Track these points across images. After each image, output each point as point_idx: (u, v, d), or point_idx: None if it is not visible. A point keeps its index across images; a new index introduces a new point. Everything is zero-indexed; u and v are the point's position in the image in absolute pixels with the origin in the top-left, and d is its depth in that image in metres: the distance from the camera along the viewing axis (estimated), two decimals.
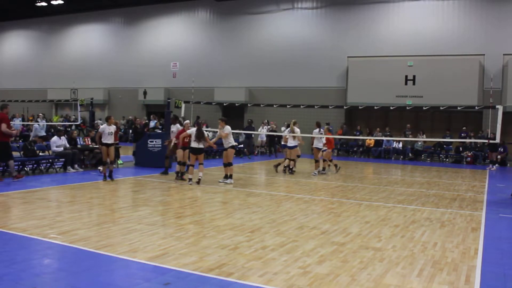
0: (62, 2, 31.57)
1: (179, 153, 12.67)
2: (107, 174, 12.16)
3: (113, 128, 12.25)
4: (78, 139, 15.00)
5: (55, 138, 13.94)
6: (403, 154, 23.42)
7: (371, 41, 25.21)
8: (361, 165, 20.11)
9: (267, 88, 27.48)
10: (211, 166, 17.06)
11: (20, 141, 18.71)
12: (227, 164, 12.53)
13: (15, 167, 12.98)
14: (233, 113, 27.94)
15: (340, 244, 6.47)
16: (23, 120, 27.98)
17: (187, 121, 12.43)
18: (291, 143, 14.97)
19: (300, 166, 17.06)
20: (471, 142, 22.11)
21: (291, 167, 15.16)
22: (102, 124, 13.95)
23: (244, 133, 21.65)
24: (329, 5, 26.59)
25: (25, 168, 13.20)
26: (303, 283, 4.86)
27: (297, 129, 15.12)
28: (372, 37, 25.29)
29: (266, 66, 27.54)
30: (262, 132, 22.55)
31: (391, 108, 17.20)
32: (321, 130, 15.36)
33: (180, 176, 12.59)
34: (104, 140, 12.02)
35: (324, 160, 15.66)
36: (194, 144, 11.78)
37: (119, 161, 15.98)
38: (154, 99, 30.61)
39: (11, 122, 21.16)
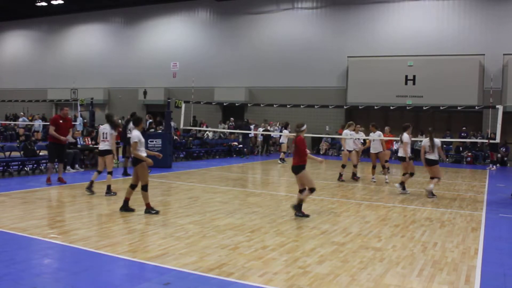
0: (62, 2, 31.58)
1: (304, 177, 8.26)
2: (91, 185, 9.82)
3: (109, 129, 10.01)
4: (78, 139, 14.99)
5: None
6: None
7: (371, 41, 25.22)
8: (361, 165, 20.04)
9: (267, 88, 27.48)
10: (211, 166, 17.05)
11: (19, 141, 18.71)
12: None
13: (15, 166, 13.06)
14: (233, 113, 27.95)
15: (340, 244, 6.46)
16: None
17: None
18: (350, 146, 13.98)
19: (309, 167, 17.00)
20: (471, 142, 22.11)
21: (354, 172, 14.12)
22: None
23: (241, 133, 21.68)
24: (329, 5, 26.59)
25: (25, 168, 13.19)
26: (303, 283, 4.86)
27: (349, 132, 13.87)
28: (372, 37, 25.29)
29: (266, 66, 27.55)
30: (259, 132, 22.56)
31: (391, 108, 17.22)
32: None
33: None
34: (100, 145, 9.84)
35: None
36: (430, 156, 10.86)
37: (115, 161, 15.95)
38: (154, 99, 30.62)
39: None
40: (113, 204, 9.01)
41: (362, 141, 14.79)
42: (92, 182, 9.88)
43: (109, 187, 9.89)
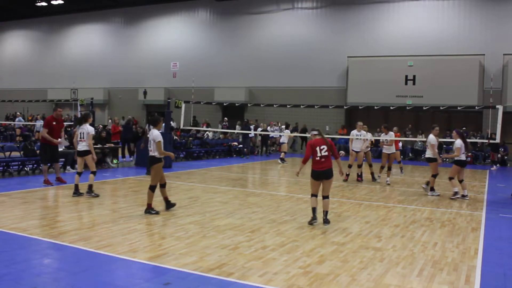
0: (62, 2, 31.60)
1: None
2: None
3: (87, 128, 9.74)
4: None
5: None
6: (403, 154, 23.39)
7: (371, 41, 25.23)
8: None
9: (267, 88, 27.48)
10: (211, 166, 17.05)
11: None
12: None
13: (15, 166, 13.05)
14: (233, 113, 27.97)
15: (340, 244, 6.46)
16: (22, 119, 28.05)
17: None
18: (358, 147, 13.81)
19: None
20: (471, 142, 22.09)
21: (358, 174, 13.97)
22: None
23: (241, 133, 21.68)
24: (329, 5, 26.61)
25: (25, 168, 13.18)
26: (303, 283, 4.86)
27: (356, 132, 13.80)
28: (372, 37, 25.31)
29: (266, 66, 27.56)
30: (258, 132, 22.57)
31: (391, 108, 17.21)
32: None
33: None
34: (78, 146, 9.81)
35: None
36: (462, 157, 10.74)
37: (115, 161, 15.97)
38: (154, 99, 30.64)
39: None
40: (113, 204, 9.01)
41: (370, 140, 14.69)
42: (77, 186, 9.71)
43: (90, 186, 9.70)
